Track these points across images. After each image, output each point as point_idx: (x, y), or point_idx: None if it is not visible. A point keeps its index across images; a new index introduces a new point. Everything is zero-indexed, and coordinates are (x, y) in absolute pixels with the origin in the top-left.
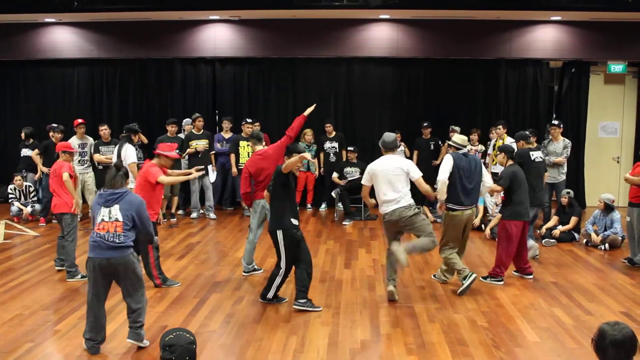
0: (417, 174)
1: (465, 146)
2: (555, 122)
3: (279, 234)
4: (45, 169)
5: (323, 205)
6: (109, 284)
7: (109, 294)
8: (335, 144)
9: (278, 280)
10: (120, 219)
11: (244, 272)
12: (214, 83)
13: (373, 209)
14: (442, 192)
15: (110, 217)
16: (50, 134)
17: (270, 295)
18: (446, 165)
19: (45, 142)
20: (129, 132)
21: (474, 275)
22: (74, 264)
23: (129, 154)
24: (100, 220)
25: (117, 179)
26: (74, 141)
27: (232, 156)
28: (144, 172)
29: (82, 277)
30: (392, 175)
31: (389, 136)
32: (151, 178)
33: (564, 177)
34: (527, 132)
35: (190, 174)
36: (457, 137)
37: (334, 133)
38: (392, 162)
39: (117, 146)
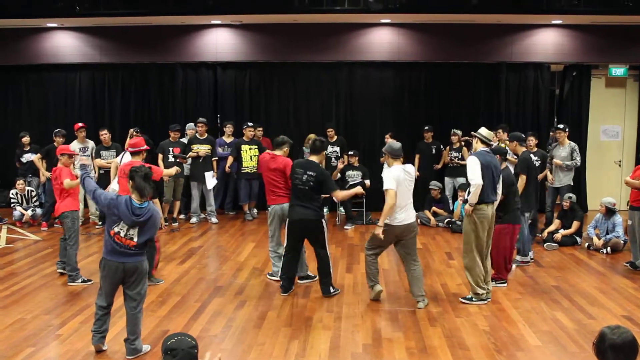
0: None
1: (491, 140)
2: (561, 126)
3: (324, 222)
4: (47, 174)
5: (325, 210)
6: (117, 287)
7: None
8: (337, 148)
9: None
10: (136, 239)
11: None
12: (216, 87)
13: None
14: (475, 196)
15: (126, 235)
16: (54, 138)
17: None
18: (475, 166)
19: (47, 147)
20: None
21: (488, 300)
22: (76, 268)
23: (126, 157)
24: (117, 231)
25: (149, 190)
26: (74, 145)
27: (230, 158)
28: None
29: (83, 281)
30: (409, 186)
31: (395, 143)
32: (157, 175)
33: (568, 181)
34: (522, 134)
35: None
36: (485, 131)
37: (335, 137)
38: (408, 171)
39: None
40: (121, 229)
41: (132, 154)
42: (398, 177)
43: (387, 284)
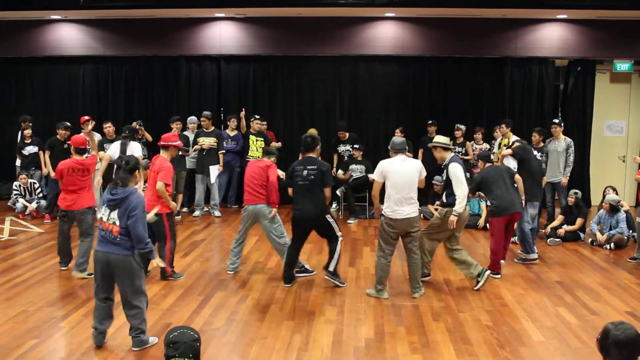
0: (424, 173)
1: (449, 145)
2: (556, 120)
3: (328, 217)
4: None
5: (334, 205)
6: (111, 281)
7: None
8: (349, 146)
9: (339, 248)
10: (118, 223)
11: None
12: (219, 81)
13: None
14: (461, 206)
15: (108, 219)
16: (57, 130)
17: (336, 266)
18: (462, 173)
19: (50, 139)
20: (130, 132)
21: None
22: (86, 261)
23: (134, 150)
24: (99, 217)
25: (122, 177)
26: None
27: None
28: (160, 170)
29: (89, 274)
30: (408, 180)
31: (397, 139)
32: (168, 179)
33: (561, 176)
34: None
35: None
36: (441, 138)
37: (347, 136)
38: (408, 164)
39: (121, 145)
40: (103, 215)
41: (162, 147)
42: (387, 169)
43: (389, 278)
